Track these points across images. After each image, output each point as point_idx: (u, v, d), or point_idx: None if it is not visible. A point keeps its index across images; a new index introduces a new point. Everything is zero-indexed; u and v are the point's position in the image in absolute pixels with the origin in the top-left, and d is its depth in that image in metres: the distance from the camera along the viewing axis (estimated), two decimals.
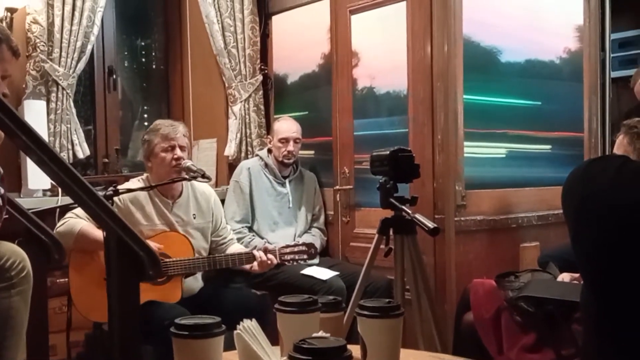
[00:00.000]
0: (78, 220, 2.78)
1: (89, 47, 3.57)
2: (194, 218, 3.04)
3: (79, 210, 2.76)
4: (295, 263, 3.06)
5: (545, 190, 3.56)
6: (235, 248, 3.14)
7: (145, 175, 3.04)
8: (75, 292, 2.81)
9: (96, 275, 2.75)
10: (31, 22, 3.39)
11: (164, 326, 2.39)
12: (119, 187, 2.85)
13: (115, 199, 2.82)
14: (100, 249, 2.73)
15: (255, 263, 2.91)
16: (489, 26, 3.32)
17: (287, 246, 3.03)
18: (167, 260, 2.79)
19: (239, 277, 3.40)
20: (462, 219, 3.14)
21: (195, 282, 3.03)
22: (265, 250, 2.94)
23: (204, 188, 3.13)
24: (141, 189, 2.90)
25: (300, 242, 3.12)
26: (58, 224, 2.83)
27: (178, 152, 2.91)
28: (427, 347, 2.33)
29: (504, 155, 3.46)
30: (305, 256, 3.03)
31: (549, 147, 3.66)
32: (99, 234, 2.73)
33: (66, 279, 2.84)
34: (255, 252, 2.93)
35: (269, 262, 2.91)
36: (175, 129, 2.96)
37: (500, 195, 3.35)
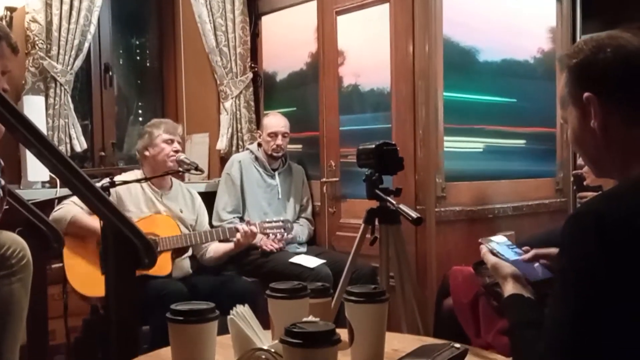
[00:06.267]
0: (71, 208, 2.83)
1: (86, 45, 3.52)
2: (181, 212, 3.11)
3: (75, 198, 2.77)
4: (275, 237, 3.20)
5: (519, 183, 3.58)
6: (215, 245, 3.16)
7: (140, 170, 3.14)
8: (70, 270, 2.82)
9: (90, 252, 2.81)
10: (30, 20, 3.35)
11: (161, 296, 2.60)
12: (116, 178, 2.86)
13: None
14: (90, 235, 2.81)
15: (238, 234, 3.00)
16: (468, 27, 3.31)
17: (266, 221, 3.13)
18: (156, 237, 2.88)
19: (230, 265, 3.39)
20: (442, 209, 3.14)
21: (186, 262, 3.11)
22: (248, 224, 3.05)
23: (191, 190, 3.28)
24: (137, 180, 2.97)
25: (276, 219, 3.19)
26: (54, 210, 2.85)
27: (177, 145, 3.08)
28: (410, 330, 2.33)
29: (481, 150, 3.46)
30: (282, 230, 3.13)
31: (523, 141, 3.67)
32: (89, 221, 2.80)
33: (61, 264, 2.83)
34: (238, 225, 3.05)
35: (250, 232, 3.01)
36: (177, 127, 3.17)
37: (478, 187, 3.35)
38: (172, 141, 3.07)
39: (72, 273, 2.82)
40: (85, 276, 2.79)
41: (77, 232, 2.83)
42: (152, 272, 2.76)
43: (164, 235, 2.93)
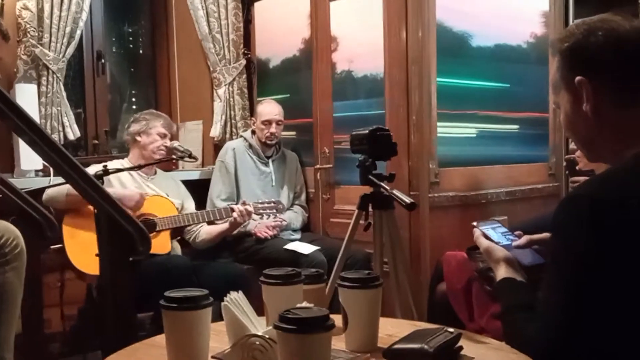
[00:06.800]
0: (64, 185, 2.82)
1: (78, 32, 3.50)
2: (167, 195, 3.16)
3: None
4: (267, 217, 3.23)
5: (513, 168, 3.58)
6: (207, 227, 3.22)
7: (126, 158, 3.22)
8: (69, 247, 2.84)
9: (89, 228, 2.79)
10: (21, 8, 3.32)
11: (168, 269, 2.68)
12: (108, 166, 2.87)
13: None
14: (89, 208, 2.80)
15: (234, 214, 3.06)
16: (461, 12, 3.30)
17: (259, 202, 3.18)
18: (155, 218, 2.97)
19: (225, 252, 3.40)
20: (436, 195, 3.15)
21: (176, 243, 3.19)
22: (243, 204, 3.11)
23: (175, 178, 3.38)
24: (130, 168, 3.04)
25: (268, 200, 3.25)
26: (47, 189, 2.85)
27: (168, 142, 3.18)
28: (403, 315, 2.34)
29: (474, 135, 3.46)
30: (275, 210, 3.20)
31: (516, 127, 3.67)
32: None
33: (60, 245, 2.84)
34: (233, 205, 3.13)
35: (246, 211, 3.07)
36: (172, 126, 3.31)
37: (471, 172, 3.36)
38: (165, 136, 3.18)
39: (71, 249, 2.85)
40: (83, 253, 2.80)
41: (76, 204, 2.80)
42: (153, 250, 2.82)
43: (162, 216, 3.01)
